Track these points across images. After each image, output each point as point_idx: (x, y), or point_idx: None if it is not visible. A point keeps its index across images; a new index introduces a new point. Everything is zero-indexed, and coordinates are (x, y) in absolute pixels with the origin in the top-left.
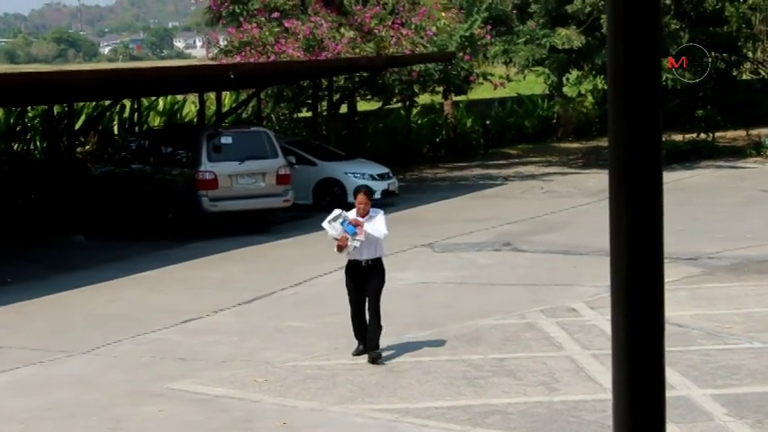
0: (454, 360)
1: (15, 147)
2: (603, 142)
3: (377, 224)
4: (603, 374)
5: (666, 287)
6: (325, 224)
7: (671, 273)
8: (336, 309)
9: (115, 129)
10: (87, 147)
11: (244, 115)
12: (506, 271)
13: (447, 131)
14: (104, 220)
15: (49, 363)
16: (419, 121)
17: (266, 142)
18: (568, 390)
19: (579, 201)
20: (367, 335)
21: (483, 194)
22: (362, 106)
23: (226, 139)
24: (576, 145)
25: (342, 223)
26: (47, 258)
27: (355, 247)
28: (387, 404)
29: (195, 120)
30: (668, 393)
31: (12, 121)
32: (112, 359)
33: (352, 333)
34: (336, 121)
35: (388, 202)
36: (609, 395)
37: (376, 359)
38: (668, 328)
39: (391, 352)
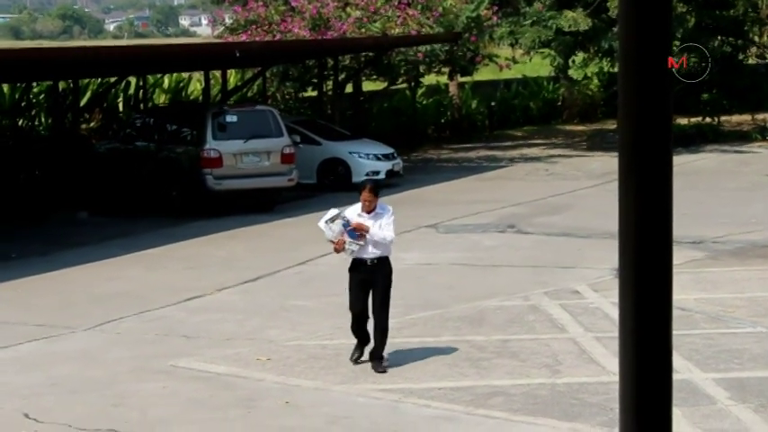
0: (457, 341)
1: (20, 123)
2: (608, 125)
3: (383, 227)
4: (606, 357)
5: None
6: (321, 224)
7: (675, 256)
8: (340, 289)
9: (120, 106)
10: (92, 123)
11: (249, 94)
12: (510, 253)
13: (452, 112)
14: (108, 197)
15: (52, 339)
16: (424, 102)
17: (271, 121)
18: (571, 372)
19: (583, 183)
20: (371, 347)
21: (487, 176)
22: (368, 86)
23: (231, 118)
24: (580, 127)
25: (344, 225)
26: (50, 235)
27: (353, 250)
28: (390, 384)
29: (200, 98)
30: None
31: (16, 97)
32: (116, 336)
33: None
34: (341, 101)
35: (392, 183)
36: (611, 378)
37: (379, 369)
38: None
39: (394, 332)
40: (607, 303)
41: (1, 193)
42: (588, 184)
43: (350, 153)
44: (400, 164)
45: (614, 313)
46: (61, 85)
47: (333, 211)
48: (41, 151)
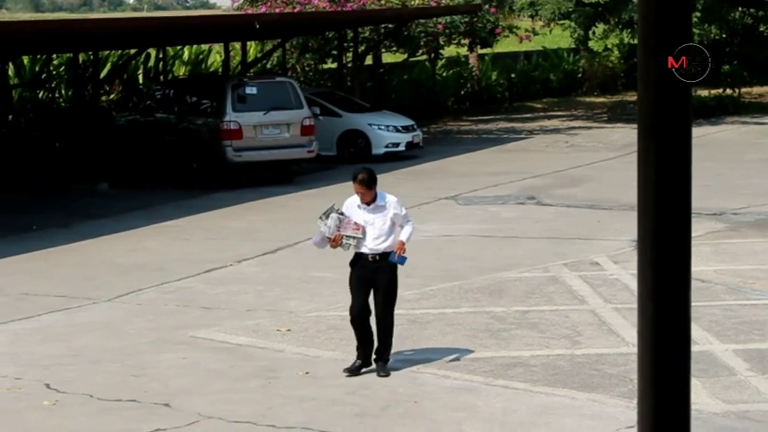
0: (477, 312)
1: (40, 95)
2: (629, 96)
3: (404, 227)
4: (626, 328)
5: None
6: (319, 222)
7: (695, 228)
8: None
9: (140, 78)
10: (112, 95)
11: (269, 66)
12: (530, 224)
13: (472, 84)
14: (128, 169)
15: (73, 310)
16: (444, 74)
17: (291, 93)
18: (591, 343)
19: (604, 155)
20: (374, 351)
21: (507, 148)
22: (387, 58)
23: (250, 90)
24: (601, 99)
25: (339, 219)
26: (71, 206)
27: (350, 245)
28: (409, 355)
29: (220, 70)
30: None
31: (37, 69)
32: (136, 307)
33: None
34: (361, 73)
35: (412, 155)
36: (631, 349)
37: (381, 374)
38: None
39: (413, 303)
40: (626, 275)
41: (22, 165)
42: (608, 155)
43: (369, 125)
44: (420, 136)
45: (634, 284)
46: (81, 57)
47: (330, 211)
48: (62, 123)
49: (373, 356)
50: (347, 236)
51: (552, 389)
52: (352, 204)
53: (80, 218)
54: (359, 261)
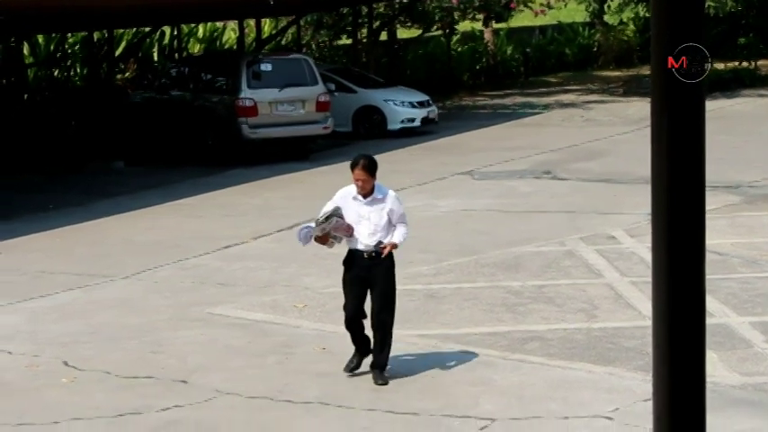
0: (494, 287)
1: (55, 73)
2: (644, 70)
3: (397, 226)
4: (642, 302)
5: (706, 216)
6: (315, 224)
7: (710, 201)
8: None
9: (155, 55)
10: (127, 73)
11: (283, 42)
12: (546, 199)
13: (487, 59)
14: (144, 146)
15: (91, 287)
16: (459, 49)
17: (306, 69)
18: (607, 317)
19: (619, 129)
20: (371, 354)
21: (523, 122)
22: (402, 33)
23: (265, 66)
24: (616, 73)
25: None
26: (87, 185)
27: (335, 243)
28: (426, 330)
29: (235, 46)
30: (707, 321)
31: (52, 47)
32: (153, 284)
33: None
34: (376, 49)
35: (427, 130)
36: (647, 322)
37: (379, 381)
38: (707, 256)
39: (430, 278)
40: (643, 248)
41: (38, 144)
42: (624, 129)
43: (385, 101)
44: (435, 111)
45: (650, 258)
46: (96, 35)
47: (327, 210)
48: (78, 102)
49: (369, 361)
50: (335, 235)
51: (569, 362)
52: (346, 196)
53: (96, 196)
54: (353, 259)
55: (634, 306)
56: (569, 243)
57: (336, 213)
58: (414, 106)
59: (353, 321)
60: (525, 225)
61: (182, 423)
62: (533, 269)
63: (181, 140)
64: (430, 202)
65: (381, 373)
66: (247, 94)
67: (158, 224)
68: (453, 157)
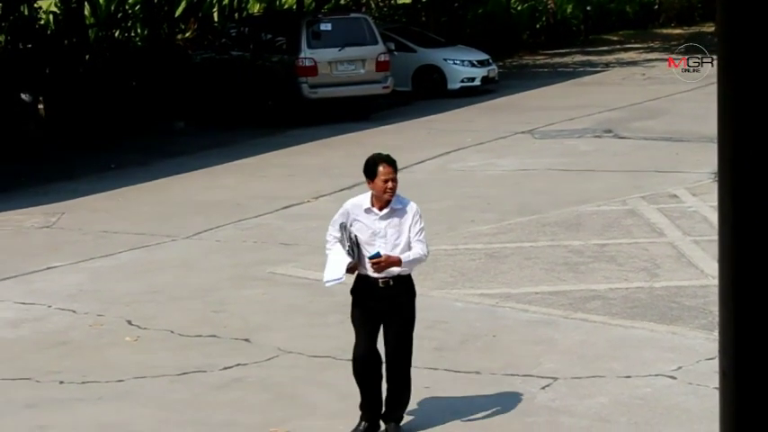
0: (555, 246)
1: (116, 34)
2: (706, 28)
3: (414, 242)
4: (705, 260)
5: None
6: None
7: None
8: (436, 196)
9: (215, 16)
10: (187, 34)
11: (343, 2)
12: (607, 158)
13: (547, 17)
14: (204, 106)
15: (152, 247)
16: (519, 8)
17: (365, 29)
18: (669, 275)
19: (681, 87)
20: (384, 405)
21: (583, 81)
22: None
23: (325, 26)
24: (678, 31)
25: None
26: (148, 145)
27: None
28: (487, 289)
29: (294, 6)
30: None
31: (112, 8)
32: (215, 243)
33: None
34: (436, 8)
35: (487, 89)
36: (710, 281)
37: None
38: None
39: (490, 238)
40: (706, 207)
41: (99, 104)
42: (686, 87)
43: (445, 60)
44: (495, 70)
45: (713, 217)
46: None
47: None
48: (138, 62)
49: (363, 429)
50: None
51: (631, 321)
52: (357, 208)
53: (157, 156)
54: (364, 288)
55: (696, 265)
56: (631, 202)
57: (346, 231)
58: (474, 65)
59: (365, 364)
60: (586, 184)
61: (245, 381)
62: (595, 228)
63: (241, 101)
64: (490, 161)
65: (398, 427)
66: (307, 54)
67: (219, 184)
68: (513, 116)
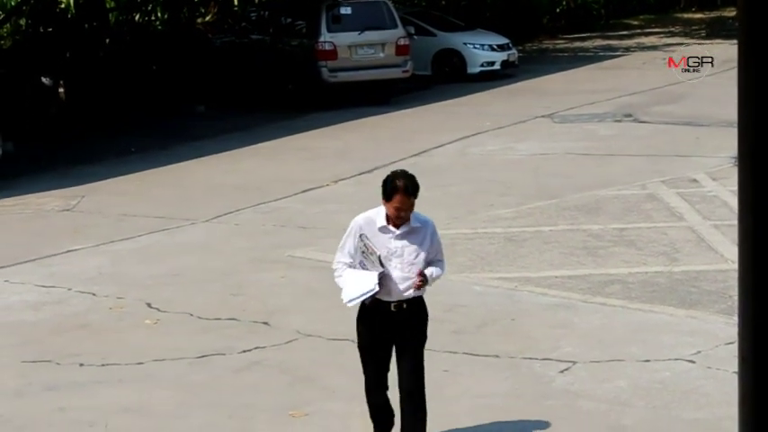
0: (574, 230)
1: (136, 18)
2: (728, 12)
3: (435, 262)
4: (725, 245)
5: None
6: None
7: None
8: (455, 180)
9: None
10: (207, 17)
11: None
12: (627, 142)
13: (567, 2)
14: (225, 90)
15: (172, 230)
16: None
17: (385, 12)
18: (689, 260)
19: (702, 71)
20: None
21: (603, 65)
22: None
23: (345, 10)
24: (699, 15)
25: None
26: (168, 128)
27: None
28: (506, 273)
29: None
30: None
31: None
32: (234, 227)
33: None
34: None
35: (507, 73)
36: (730, 265)
37: None
38: None
39: (509, 222)
40: (725, 191)
41: (119, 88)
42: (706, 72)
43: (464, 44)
44: (515, 54)
45: (733, 201)
46: None
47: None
48: (158, 46)
49: None
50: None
51: (650, 306)
52: (370, 225)
53: (177, 139)
54: (374, 313)
55: (716, 249)
56: (650, 186)
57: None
58: (493, 49)
59: (378, 394)
60: (606, 168)
61: (264, 364)
62: (614, 212)
63: (261, 84)
64: (509, 145)
65: None
66: (327, 38)
67: (239, 167)
68: (533, 100)
